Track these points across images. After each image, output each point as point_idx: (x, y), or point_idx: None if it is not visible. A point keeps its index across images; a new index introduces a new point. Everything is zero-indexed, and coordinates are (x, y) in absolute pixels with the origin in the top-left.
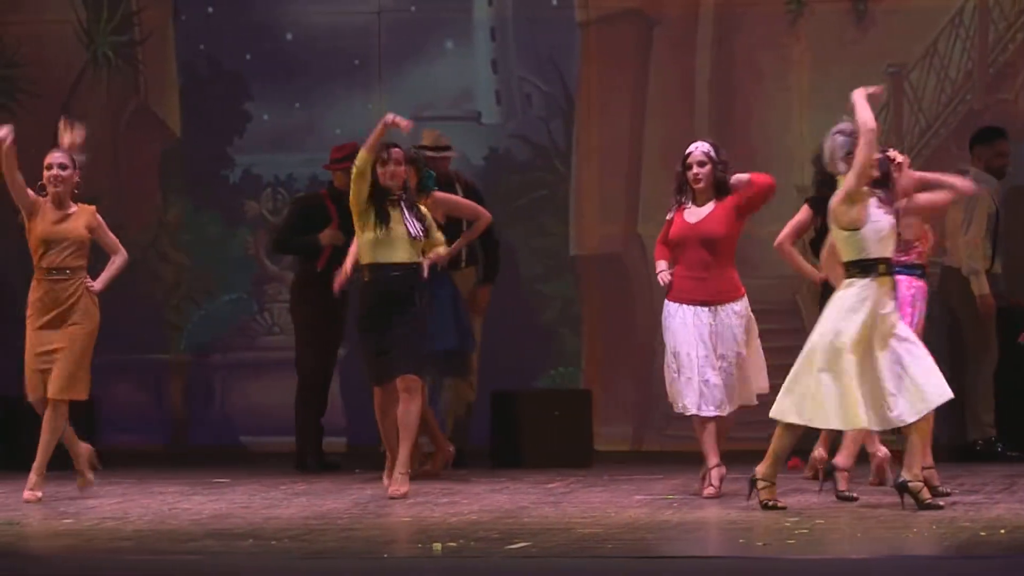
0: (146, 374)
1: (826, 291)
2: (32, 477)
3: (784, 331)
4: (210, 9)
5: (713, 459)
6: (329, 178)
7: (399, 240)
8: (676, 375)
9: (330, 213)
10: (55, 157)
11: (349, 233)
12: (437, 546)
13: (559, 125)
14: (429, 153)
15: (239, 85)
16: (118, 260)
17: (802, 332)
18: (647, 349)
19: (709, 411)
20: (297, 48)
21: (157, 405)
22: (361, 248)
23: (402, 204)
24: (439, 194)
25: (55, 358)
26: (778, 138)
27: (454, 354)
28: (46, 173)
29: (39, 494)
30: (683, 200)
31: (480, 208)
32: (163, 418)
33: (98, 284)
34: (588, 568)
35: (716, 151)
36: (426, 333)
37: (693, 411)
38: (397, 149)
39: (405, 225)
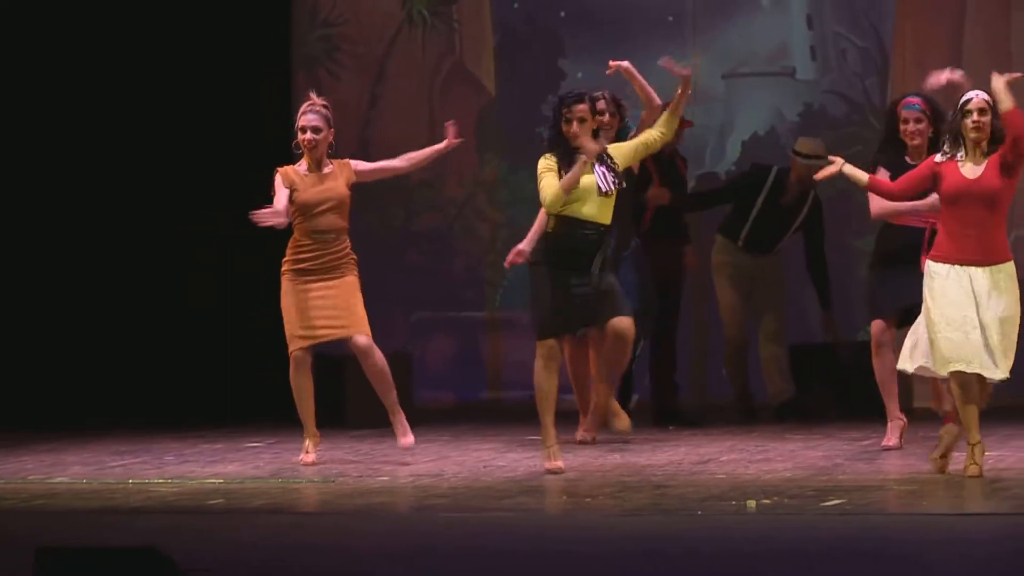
0: (462, 331)
1: None
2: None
3: None
4: None
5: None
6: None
7: (589, 194)
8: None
9: (650, 171)
10: (309, 120)
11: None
12: (751, 503)
13: (874, 81)
14: (802, 160)
15: (553, 42)
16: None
17: None
18: None
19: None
20: (611, 5)
21: (473, 362)
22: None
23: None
24: None
25: (332, 307)
26: None
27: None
28: (301, 136)
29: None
30: (955, 153)
31: None
32: (479, 375)
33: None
34: (904, 524)
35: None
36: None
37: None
38: (581, 105)
39: (596, 179)
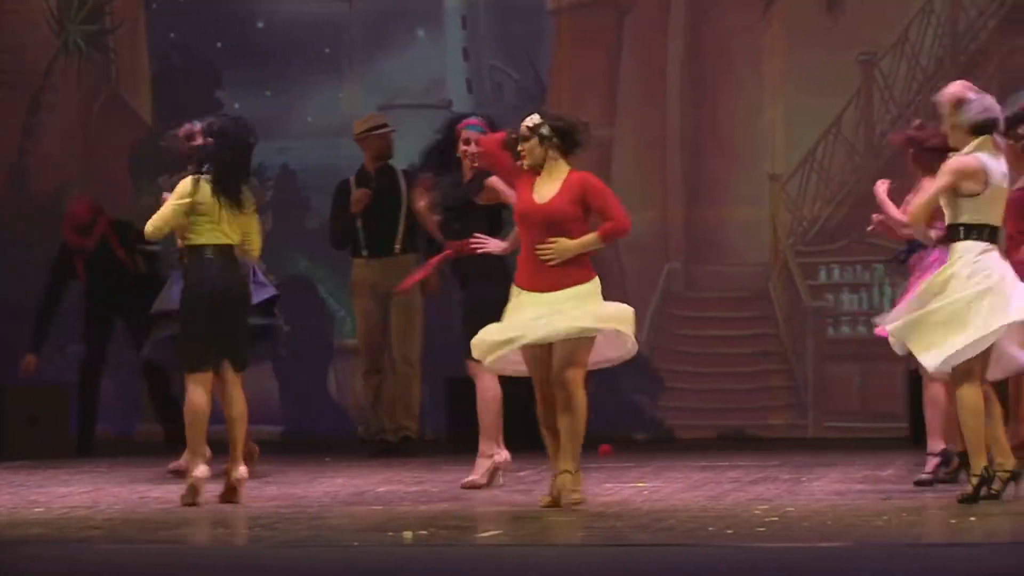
0: (116, 364)
1: None
2: None
3: (756, 318)
4: None
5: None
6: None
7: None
8: None
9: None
10: None
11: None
12: (408, 534)
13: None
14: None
15: (210, 73)
16: None
17: (773, 320)
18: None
19: None
20: (268, 36)
21: (128, 395)
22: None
23: None
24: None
25: None
26: (750, 124)
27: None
28: None
29: None
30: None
31: None
32: (134, 408)
33: None
34: (560, 556)
35: None
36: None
37: None
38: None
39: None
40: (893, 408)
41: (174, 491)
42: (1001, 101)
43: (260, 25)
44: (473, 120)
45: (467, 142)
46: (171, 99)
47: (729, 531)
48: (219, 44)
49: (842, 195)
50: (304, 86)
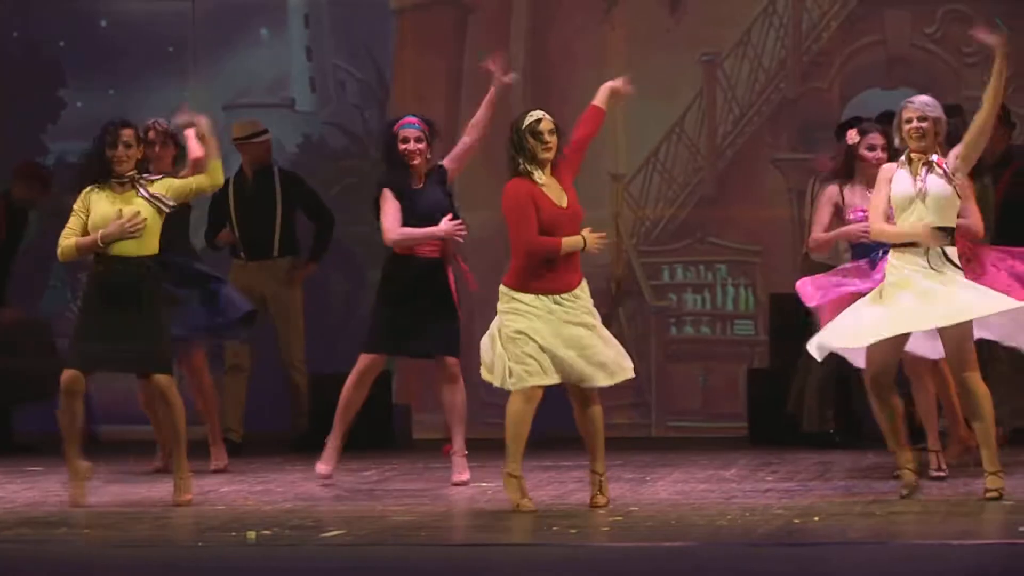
0: None
1: None
2: None
3: None
4: None
5: None
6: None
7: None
8: None
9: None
10: None
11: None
12: (251, 534)
13: (374, 112)
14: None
15: (53, 71)
16: None
17: (616, 320)
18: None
19: None
20: (111, 34)
21: None
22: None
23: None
24: None
25: None
26: None
27: None
28: None
29: None
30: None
31: None
32: None
33: None
34: (402, 556)
35: None
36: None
37: None
38: (127, 130)
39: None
40: (735, 408)
41: (17, 491)
42: (842, 102)
43: (103, 24)
44: (411, 119)
45: (405, 140)
46: (13, 97)
47: (573, 531)
48: (62, 42)
49: (685, 195)
50: (148, 85)
